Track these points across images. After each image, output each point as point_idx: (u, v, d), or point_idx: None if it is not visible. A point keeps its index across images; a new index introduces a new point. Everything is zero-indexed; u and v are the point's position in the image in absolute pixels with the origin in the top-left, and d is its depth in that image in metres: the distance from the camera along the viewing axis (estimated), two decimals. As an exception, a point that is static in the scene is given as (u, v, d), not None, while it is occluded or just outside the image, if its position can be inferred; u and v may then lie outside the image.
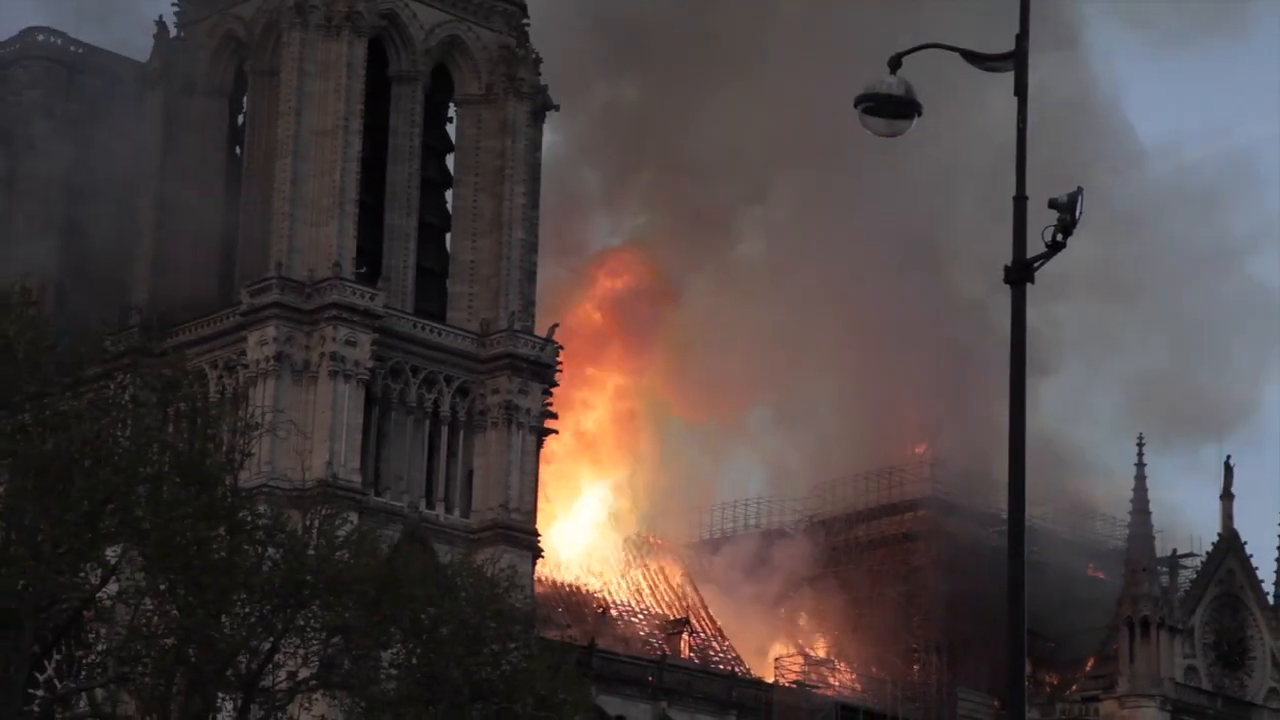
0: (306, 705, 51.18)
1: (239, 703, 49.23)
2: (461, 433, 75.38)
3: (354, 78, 74.45)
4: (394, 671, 51.74)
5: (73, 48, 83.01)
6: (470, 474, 75.15)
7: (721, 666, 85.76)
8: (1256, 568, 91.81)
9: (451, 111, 79.59)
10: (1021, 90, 21.43)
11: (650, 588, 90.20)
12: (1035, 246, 20.99)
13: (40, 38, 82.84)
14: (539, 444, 76.00)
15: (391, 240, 76.47)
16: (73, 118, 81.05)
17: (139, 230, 77.94)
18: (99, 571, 47.68)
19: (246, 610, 48.70)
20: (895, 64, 21.28)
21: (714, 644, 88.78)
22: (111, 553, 47.87)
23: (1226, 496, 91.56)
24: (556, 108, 79.61)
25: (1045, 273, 20.95)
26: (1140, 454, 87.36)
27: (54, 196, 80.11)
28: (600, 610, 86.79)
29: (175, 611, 47.26)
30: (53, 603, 46.88)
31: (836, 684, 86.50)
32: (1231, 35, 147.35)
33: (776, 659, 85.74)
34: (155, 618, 47.63)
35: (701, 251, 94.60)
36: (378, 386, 73.37)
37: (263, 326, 72.18)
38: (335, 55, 74.44)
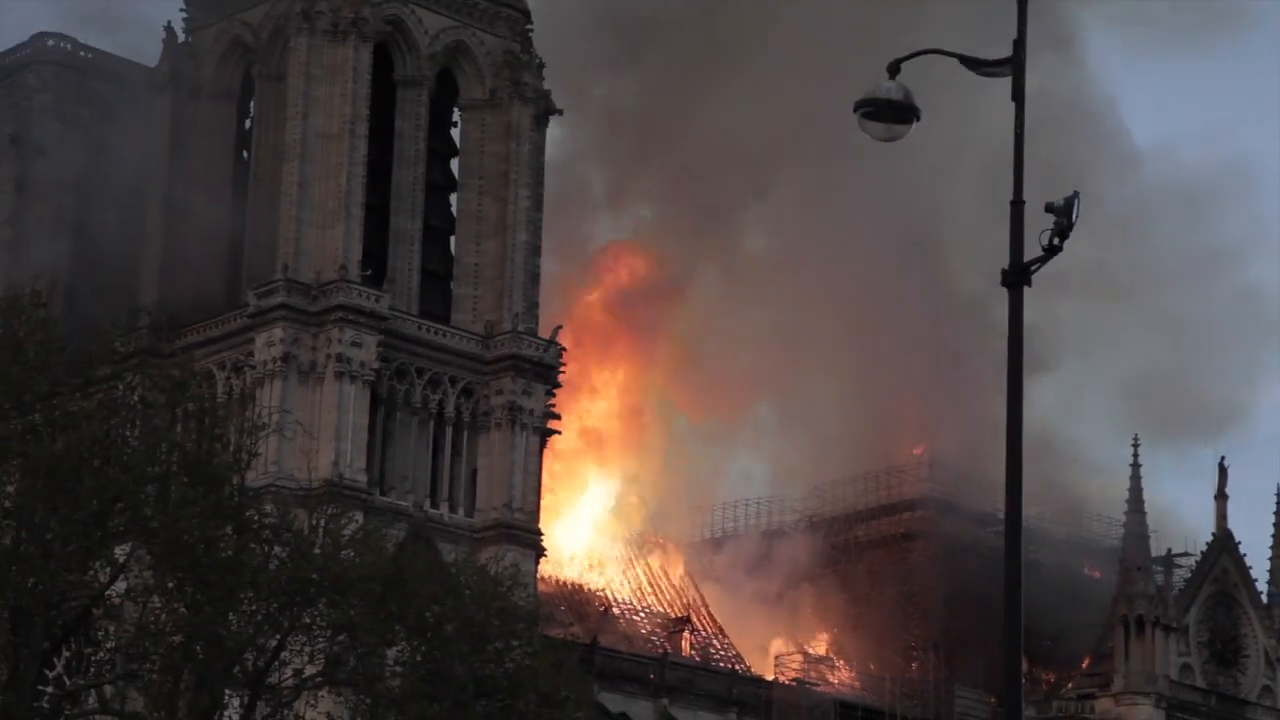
0: (312, 702, 51.15)
1: (246, 699, 49.22)
2: (466, 433, 75.39)
3: (360, 82, 74.48)
4: (399, 669, 51.72)
5: (82, 53, 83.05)
6: (474, 474, 75.16)
7: (722, 664, 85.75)
8: (1250, 567, 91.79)
9: (456, 116, 79.63)
10: (1019, 96, 21.43)
11: (652, 587, 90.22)
12: (1033, 248, 21.00)
13: (50, 43, 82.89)
14: (542, 444, 76.04)
15: (397, 243, 76.49)
16: (82, 122, 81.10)
17: (148, 232, 77.94)
18: (108, 569, 47.68)
19: (253, 608, 48.69)
20: (894, 69, 21.28)
21: (715, 642, 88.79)
22: (120, 551, 47.87)
23: (1221, 497, 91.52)
24: (560, 112, 79.67)
25: (1044, 270, 20.96)
26: (1136, 454, 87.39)
27: (64, 199, 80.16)
28: (602, 609, 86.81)
29: (183, 609, 47.26)
30: (62, 600, 46.89)
31: (836, 681, 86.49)
32: (1227, 38, 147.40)
33: (776, 657, 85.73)
34: (163, 615, 47.63)
35: (704, 249, 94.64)
36: (383, 387, 73.39)
37: (270, 328, 72.20)
38: (341, 60, 74.47)
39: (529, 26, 79.25)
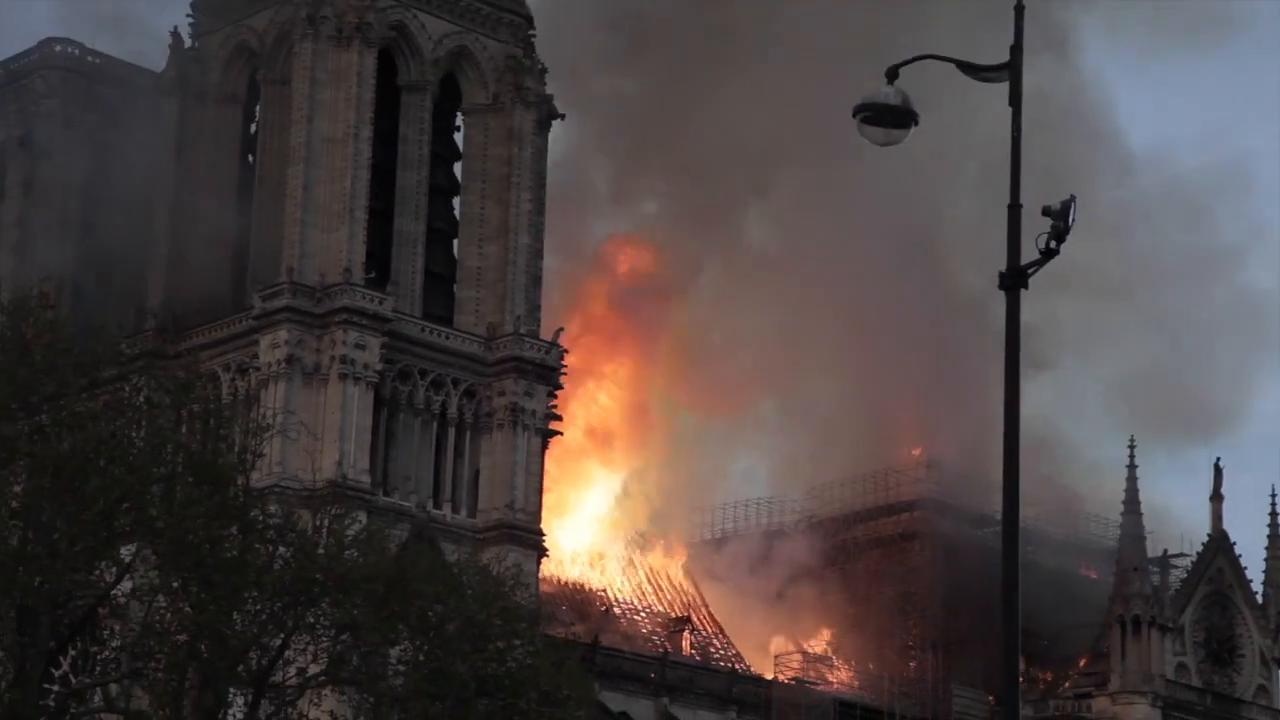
0: (316, 701, 51.10)
1: (250, 698, 49.19)
2: (468, 434, 75.38)
3: (364, 87, 74.49)
4: (402, 667, 51.67)
5: (90, 58, 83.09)
6: (476, 474, 75.15)
7: (722, 663, 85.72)
8: (1245, 567, 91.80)
9: (459, 120, 79.65)
10: (1016, 101, 21.41)
11: (653, 586, 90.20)
12: (1030, 250, 20.98)
13: (58, 48, 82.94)
14: (544, 445, 76.03)
15: (400, 246, 76.49)
16: (89, 126, 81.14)
17: (154, 235, 77.96)
18: (114, 569, 47.64)
19: (258, 607, 48.66)
20: (892, 75, 21.26)
21: (715, 641, 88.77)
22: (126, 551, 47.84)
23: (1216, 498, 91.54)
24: (562, 117, 79.68)
25: (1042, 270, 20.95)
26: (1132, 455, 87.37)
27: (71, 202, 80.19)
28: (604, 608, 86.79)
29: (188, 608, 47.22)
30: (68, 599, 46.87)
31: (835, 681, 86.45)
32: (1225, 40, 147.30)
33: (776, 656, 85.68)
34: (168, 614, 47.59)
35: (706, 248, 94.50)
36: (386, 389, 73.38)
37: (274, 330, 72.20)
38: (346, 65, 74.48)
39: (531, 32, 79.30)
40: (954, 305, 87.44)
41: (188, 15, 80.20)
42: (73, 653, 54.06)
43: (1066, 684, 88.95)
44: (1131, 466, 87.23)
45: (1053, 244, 20.70)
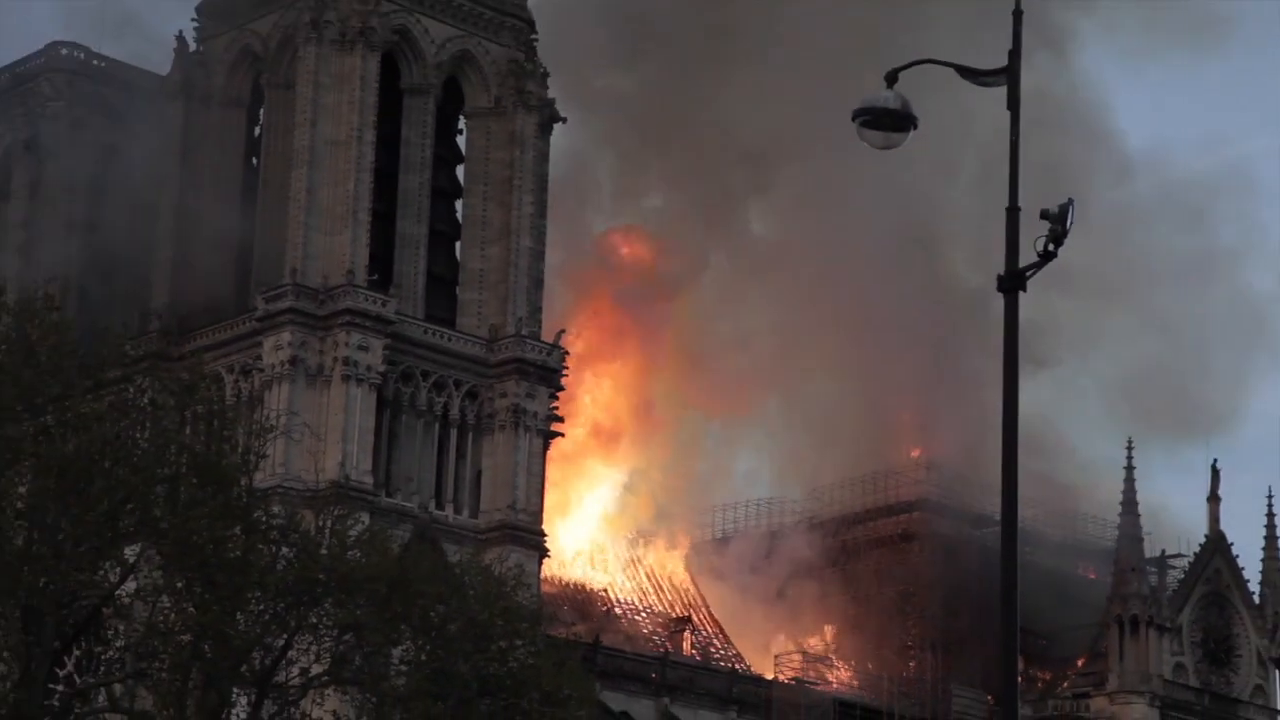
0: (319, 700, 51.07)
1: (253, 698, 49.17)
2: (470, 435, 75.36)
3: (367, 90, 74.50)
4: (404, 667, 51.63)
5: (95, 61, 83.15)
6: (479, 475, 75.13)
7: (722, 663, 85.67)
8: (1243, 568, 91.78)
9: (461, 123, 79.67)
10: (1014, 105, 21.40)
11: (653, 587, 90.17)
12: (1029, 252, 20.97)
13: (64, 52, 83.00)
14: (545, 446, 76.02)
15: (403, 248, 76.50)
16: (95, 128, 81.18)
17: (158, 237, 77.99)
18: (118, 569, 47.62)
19: (261, 608, 48.62)
20: (891, 79, 21.24)
21: (715, 641, 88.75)
22: (130, 551, 47.82)
23: (1213, 499, 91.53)
24: (564, 120, 79.73)
25: (1041, 269, 20.94)
26: (1130, 457, 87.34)
27: (76, 204, 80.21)
28: (605, 609, 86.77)
29: (192, 609, 47.19)
30: (73, 599, 46.85)
31: (835, 681, 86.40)
32: (1223, 42, 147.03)
33: (776, 656, 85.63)
34: (172, 615, 47.56)
35: (708, 246, 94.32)
36: (389, 390, 73.37)
37: (278, 331, 72.20)
38: (349, 69, 74.49)
39: (533, 35, 79.33)
40: (953, 305, 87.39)
41: (193, 19, 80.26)
42: (77, 653, 54.01)
43: (1065, 684, 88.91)
44: (1129, 467, 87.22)
45: (1051, 247, 20.69)
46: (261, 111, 79.56)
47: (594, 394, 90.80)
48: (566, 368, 77.14)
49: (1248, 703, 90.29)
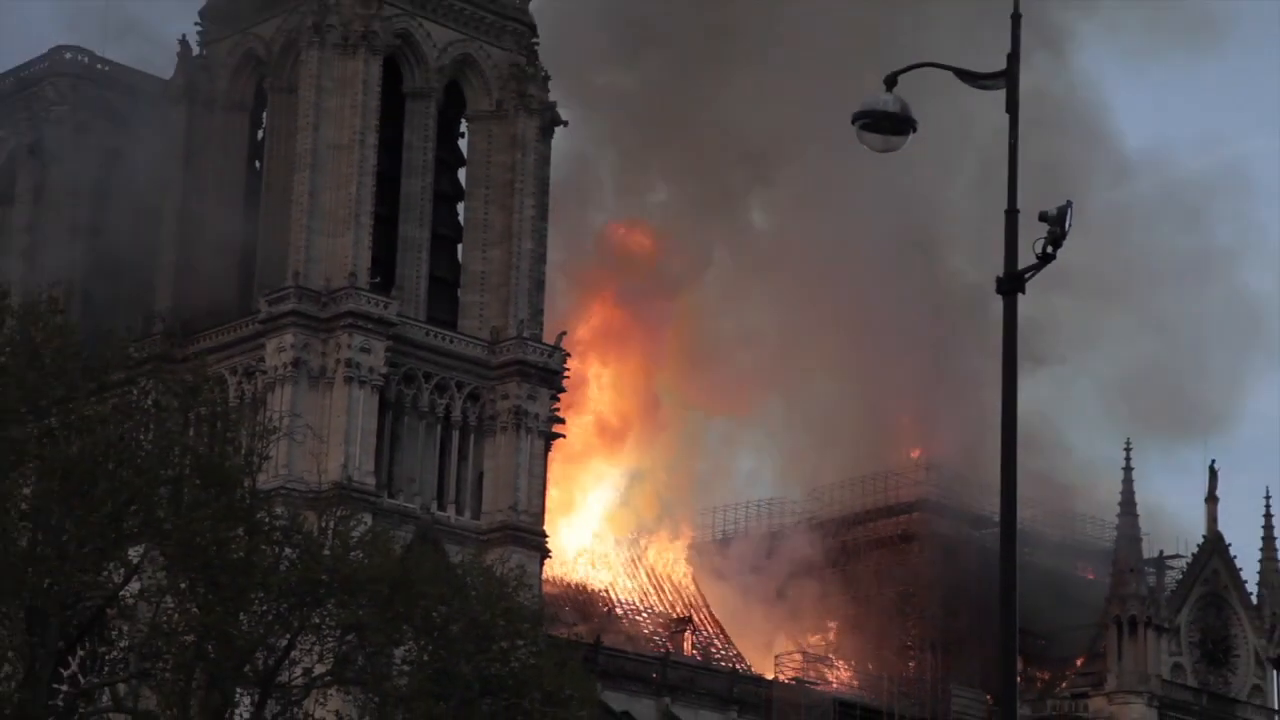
0: (322, 700, 51.07)
1: (256, 698, 49.16)
2: (472, 437, 75.35)
3: (369, 94, 74.50)
4: (406, 668, 51.63)
5: (99, 65, 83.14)
6: (480, 477, 75.12)
7: (723, 664, 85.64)
8: (1240, 568, 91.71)
9: (463, 127, 79.68)
10: (1013, 109, 21.39)
11: (654, 587, 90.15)
12: (1028, 253, 20.98)
13: (68, 56, 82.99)
14: (547, 448, 76.02)
15: (405, 251, 76.50)
16: (99, 132, 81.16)
17: (162, 240, 77.98)
18: (122, 570, 47.63)
19: (264, 608, 48.62)
20: (891, 82, 21.23)
21: (716, 642, 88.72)
22: (134, 552, 47.83)
23: (1211, 499, 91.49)
24: (565, 123, 79.79)
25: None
26: (1128, 458, 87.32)
27: (80, 208, 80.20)
28: (606, 609, 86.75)
29: (195, 609, 47.19)
30: (77, 600, 46.85)
31: (835, 681, 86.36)
32: (1222, 43, 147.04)
33: (776, 656, 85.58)
34: (176, 615, 47.57)
35: (709, 246, 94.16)
36: (391, 392, 73.37)
37: (281, 334, 72.20)
38: (352, 73, 74.50)
39: (534, 39, 79.34)
40: (952, 306, 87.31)
41: (196, 24, 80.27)
42: (81, 653, 54.01)
43: (1063, 684, 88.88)
44: (1127, 469, 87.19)
45: (1049, 249, 20.69)
46: (264, 115, 79.56)
47: (597, 392, 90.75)
48: (567, 369, 77.16)
49: (1245, 703, 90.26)
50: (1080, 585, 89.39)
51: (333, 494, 66.99)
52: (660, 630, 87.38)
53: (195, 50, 79.85)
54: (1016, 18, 21.62)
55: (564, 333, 77.92)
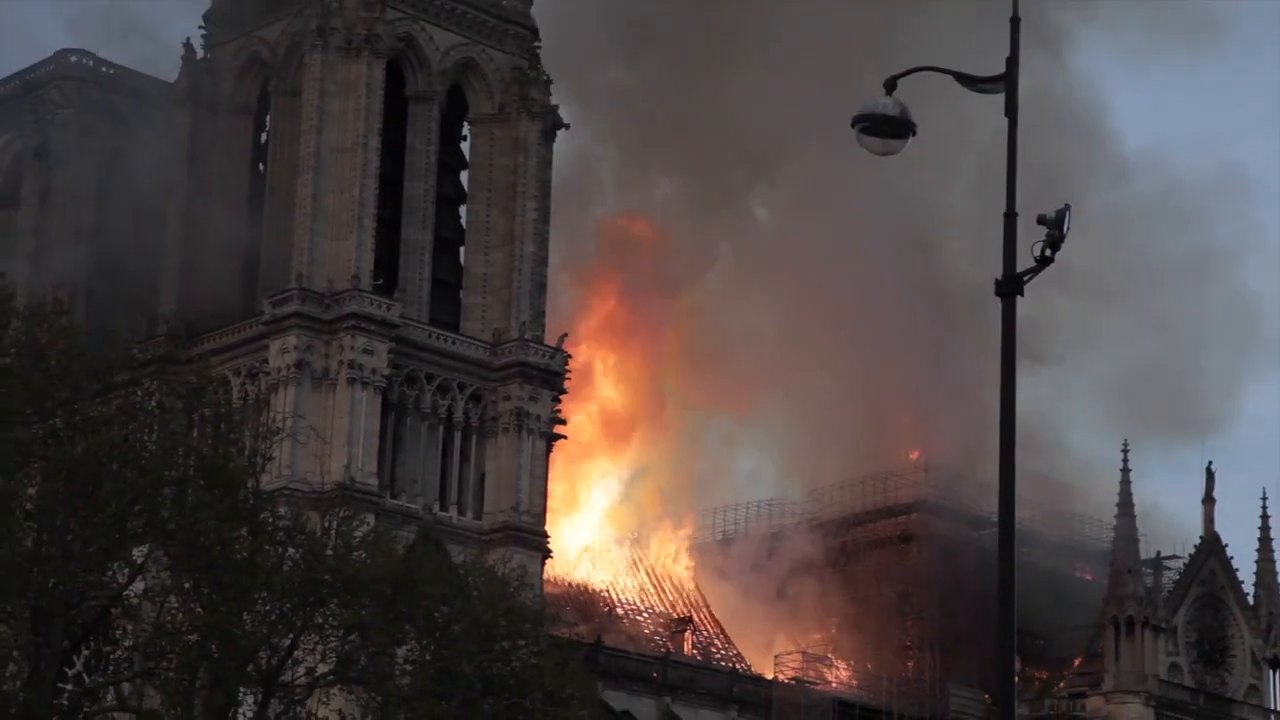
0: (324, 700, 51.09)
1: (260, 697, 49.16)
2: (474, 438, 75.36)
3: (373, 97, 74.50)
4: (409, 667, 51.63)
5: (104, 69, 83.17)
6: (482, 477, 75.12)
7: (723, 663, 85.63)
8: (1237, 569, 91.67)
9: (466, 130, 79.69)
10: (1012, 112, 21.39)
11: (655, 588, 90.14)
12: (1027, 255, 20.98)
13: (73, 59, 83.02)
14: (548, 449, 76.03)
15: (408, 253, 76.51)
16: (103, 135, 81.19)
17: (166, 243, 78.00)
18: (126, 570, 47.62)
19: (267, 608, 48.62)
20: (891, 86, 21.23)
21: (716, 642, 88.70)
22: (138, 552, 47.81)
23: (1208, 500, 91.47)
24: (567, 126, 79.85)
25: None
26: (1125, 459, 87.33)
27: (85, 210, 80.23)
28: (607, 609, 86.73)
29: (199, 609, 47.20)
30: (82, 600, 46.83)
31: (834, 680, 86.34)
32: (1221, 43, 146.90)
33: (776, 656, 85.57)
34: (180, 615, 47.56)
35: (708, 246, 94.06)
36: (394, 393, 73.37)
37: (284, 335, 72.20)
38: (355, 76, 74.50)
39: (537, 43, 79.35)
40: (952, 306, 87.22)
41: (200, 27, 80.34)
42: (86, 652, 54.01)
43: (1061, 684, 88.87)
44: (1125, 470, 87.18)
45: (1048, 252, 20.69)
46: (268, 118, 79.57)
47: (601, 389, 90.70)
48: (569, 371, 77.19)
49: (1242, 702, 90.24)
50: (1078, 585, 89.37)
51: (336, 494, 67.05)
52: (661, 630, 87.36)
53: (199, 54, 79.87)
54: (1015, 22, 21.61)
55: (565, 334, 77.96)
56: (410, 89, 77.36)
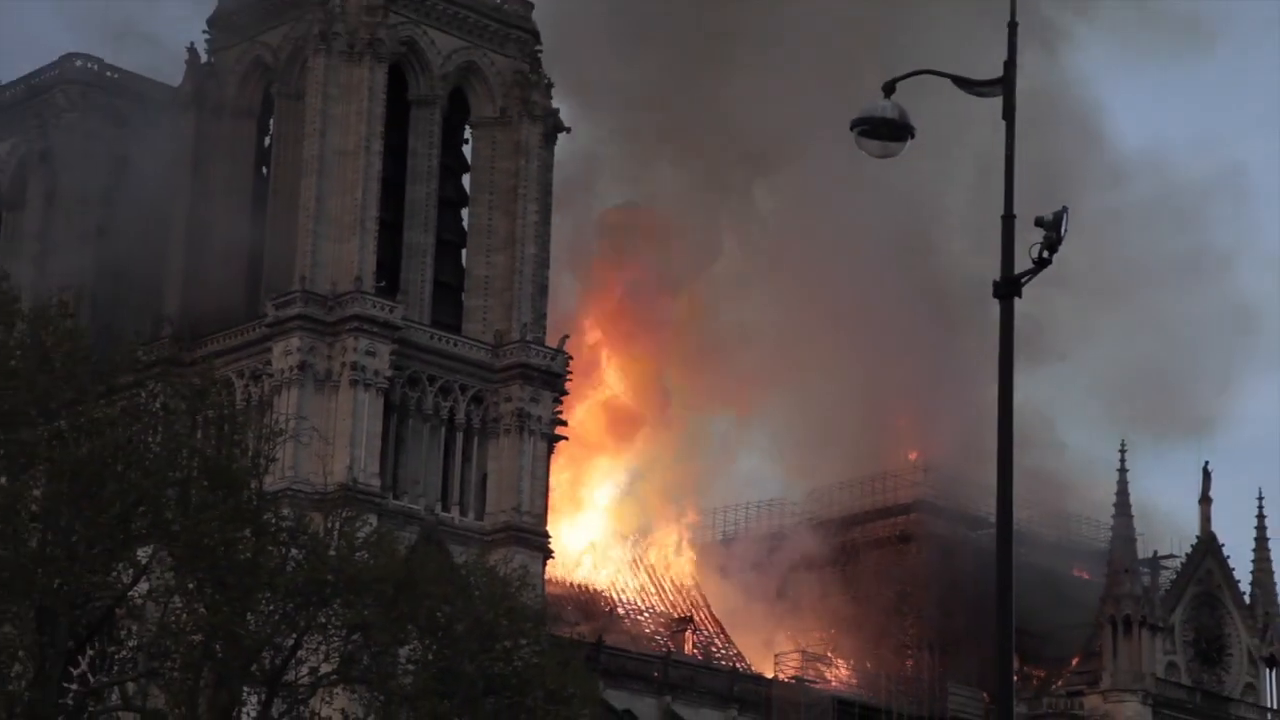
0: (328, 699, 51.09)
1: (263, 696, 49.14)
2: (476, 439, 75.34)
3: (375, 101, 74.50)
4: (411, 667, 51.61)
5: (109, 73, 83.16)
6: (484, 478, 75.10)
7: (723, 663, 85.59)
8: (1233, 568, 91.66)
9: (467, 133, 79.69)
10: (1009, 115, 21.36)
11: (656, 588, 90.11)
12: (1025, 255, 20.95)
13: (79, 64, 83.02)
14: (550, 450, 76.02)
15: (410, 256, 76.50)
16: (108, 139, 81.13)
17: (170, 245, 77.99)
18: (130, 571, 47.63)
19: (271, 608, 48.62)
20: (889, 89, 21.21)
21: (716, 641, 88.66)
22: (142, 553, 47.82)
23: (1205, 500, 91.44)
24: (568, 130, 79.81)
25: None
26: (1122, 459, 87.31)
27: (89, 214, 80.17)
28: (608, 609, 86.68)
29: (203, 609, 47.19)
30: (86, 600, 46.84)
31: (833, 679, 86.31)
32: (1218, 44, 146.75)
33: (776, 655, 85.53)
34: (184, 615, 47.56)
35: (709, 246, 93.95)
36: (396, 395, 73.35)
37: (287, 337, 72.18)
38: (358, 80, 74.50)
39: (538, 47, 79.35)
40: (950, 307, 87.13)
41: (204, 32, 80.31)
42: (91, 652, 54.04)
43: (1059, 682, 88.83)
44: (1122, 470, 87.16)
45: (1046, 254, 20.66)
46: (271, 122, 79.57)
47: (597, 393, 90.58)
48: (570, 372, 77.18)
49: (1239, 701, 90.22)
50: (1076, 585, 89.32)
51: (338, 495, 67.02)
52: (661, 630, 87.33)
53: (203, 58, 79.87)
54: (1013, 26, 21.59)
55: (566, 336, 77.93)
56: (412, 93, 77.35)
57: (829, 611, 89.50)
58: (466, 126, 79.52)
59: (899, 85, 21.16)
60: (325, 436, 69.51)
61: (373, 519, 63.52)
